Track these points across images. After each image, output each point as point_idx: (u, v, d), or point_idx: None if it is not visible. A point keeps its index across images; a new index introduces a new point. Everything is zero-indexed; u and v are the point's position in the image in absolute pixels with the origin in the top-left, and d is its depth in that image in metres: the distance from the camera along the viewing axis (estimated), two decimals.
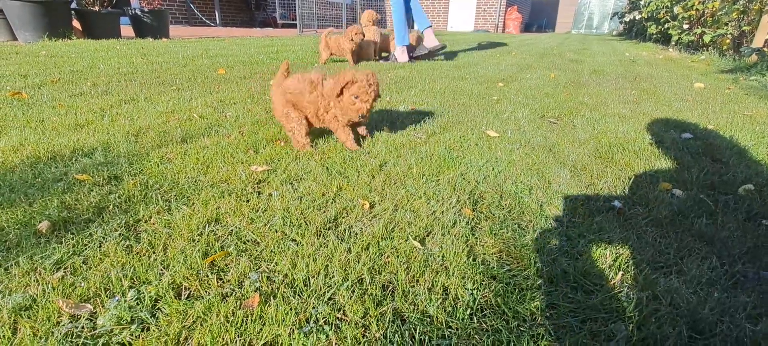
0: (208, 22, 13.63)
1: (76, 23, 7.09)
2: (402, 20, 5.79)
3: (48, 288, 1.07)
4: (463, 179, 1.88)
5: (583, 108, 3.48)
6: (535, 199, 1.70)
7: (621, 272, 1.19)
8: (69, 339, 0.91)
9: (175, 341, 0.92)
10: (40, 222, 1.41)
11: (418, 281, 1.15)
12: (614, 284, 1.14)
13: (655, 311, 1.04)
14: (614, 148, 2.39)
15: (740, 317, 1.04)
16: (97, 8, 7.11)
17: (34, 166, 1.94)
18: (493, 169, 2.01)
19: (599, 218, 1.53)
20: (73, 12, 6.92)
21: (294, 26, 12.94)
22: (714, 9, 7.98)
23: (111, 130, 2.53)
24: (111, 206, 1.56)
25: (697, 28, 8.57)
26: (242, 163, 2.01)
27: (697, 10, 8.55)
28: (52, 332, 0.93)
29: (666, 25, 10.01)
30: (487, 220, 1.52)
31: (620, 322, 1.00)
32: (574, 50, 9.48)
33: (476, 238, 1.39)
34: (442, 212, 1.55)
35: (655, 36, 11.53)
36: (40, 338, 0.91)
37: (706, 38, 7.52)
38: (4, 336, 0.92)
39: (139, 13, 7.86)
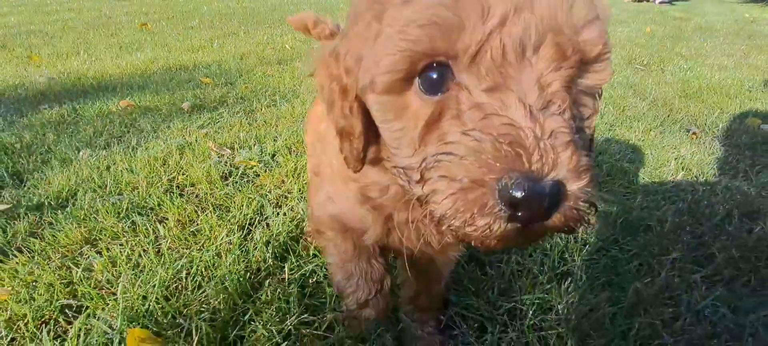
0: None
1: None
2: None
3: (198, 137, 1.43)
4: None
5: (677, 58, 3.23)
6: (606, 122, 1.74)
7: (683, 172, 1.25)
8: (218, 165, 1.24)
9: (292, 172, 1.21)
10: (182, 103, 1.81)
11: None
12: (673, 178, 1.21)
13: (709, 195, 1.10)
14: (705, 90, 2.26)
15: None
16: None
17: (168, 72, 2.40)
18: None
19: (671, 137, 1.55)
20: None
21: None
22: None
23: (220, 53, 2.95)
24: (231, 100, 1.92)
25: None
26: None
27: None
28: (207, 160, 1.27)
29: None
30: None
31: None
32: (681, 9, 8.38)
33: None
34: None
35: None
36: (200, 162, 1.25)
37: None
38: (174, 160, 1.28)
39: None
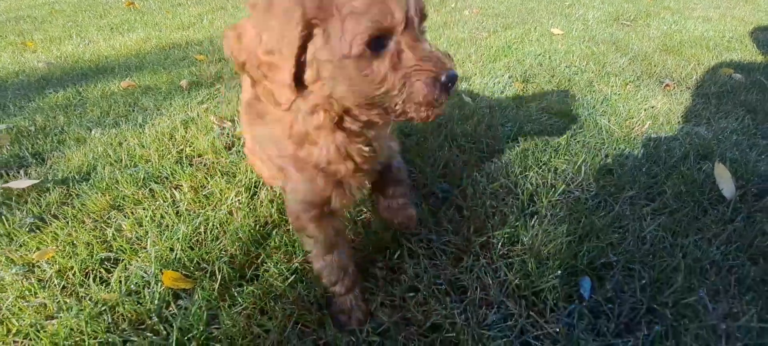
0: None
1: None
2: None
3: (200, 112, 1.53)
4: (518, 63, 2.04)
5: (664, 12, 3.26)
6: (586, 78, 1.83)
7: (650, 122, 1.36)
8: (221, 137, 1.35)
9: None
10: (180, 80, 1.89)
11: (468, 120, 1.42)
12: (640, 127, 1.32)
13: (670, 141, 1.22)
14: (685, 44, 2.34)
15: (738, 140, 1.18)
16: None
17: (162, 51, 2.45)
18: (549, 57, 2.13)
19: (645, 90, 1.65)
20: None
21: None
22: None
23: (210, 29, 2.98)
24: (226, 75, 1.99)
25: None
26: None
27: None
28: (210, 132, 1.37)
29: None
30: (535, 90, 1.71)
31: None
32: None
33: (523, 100, 1.61)
34: (494, 83, 1.76)
35: None
36: (204, 134, 1.36)
37: None
38: (180, 134, 1.38)
39: None
